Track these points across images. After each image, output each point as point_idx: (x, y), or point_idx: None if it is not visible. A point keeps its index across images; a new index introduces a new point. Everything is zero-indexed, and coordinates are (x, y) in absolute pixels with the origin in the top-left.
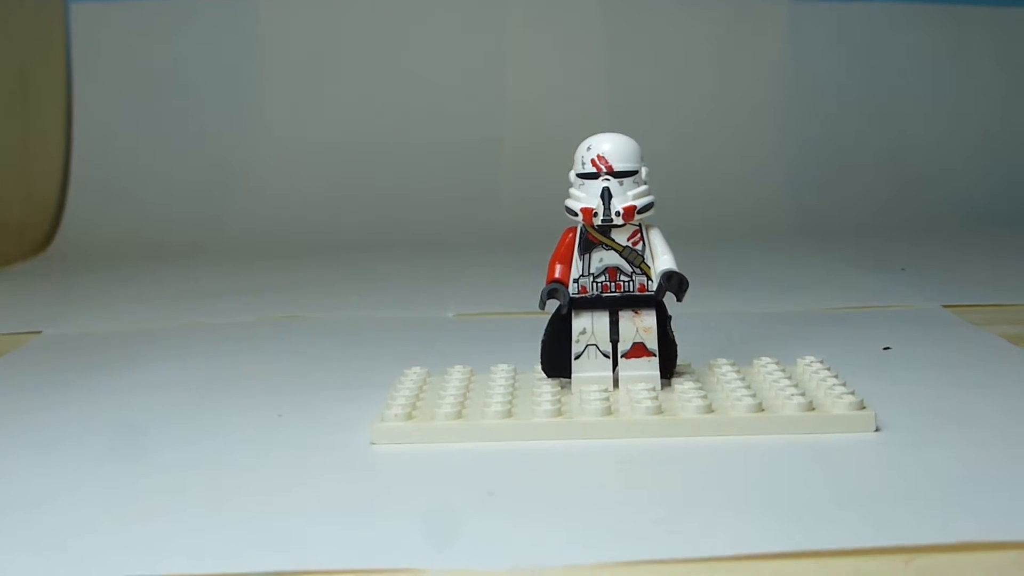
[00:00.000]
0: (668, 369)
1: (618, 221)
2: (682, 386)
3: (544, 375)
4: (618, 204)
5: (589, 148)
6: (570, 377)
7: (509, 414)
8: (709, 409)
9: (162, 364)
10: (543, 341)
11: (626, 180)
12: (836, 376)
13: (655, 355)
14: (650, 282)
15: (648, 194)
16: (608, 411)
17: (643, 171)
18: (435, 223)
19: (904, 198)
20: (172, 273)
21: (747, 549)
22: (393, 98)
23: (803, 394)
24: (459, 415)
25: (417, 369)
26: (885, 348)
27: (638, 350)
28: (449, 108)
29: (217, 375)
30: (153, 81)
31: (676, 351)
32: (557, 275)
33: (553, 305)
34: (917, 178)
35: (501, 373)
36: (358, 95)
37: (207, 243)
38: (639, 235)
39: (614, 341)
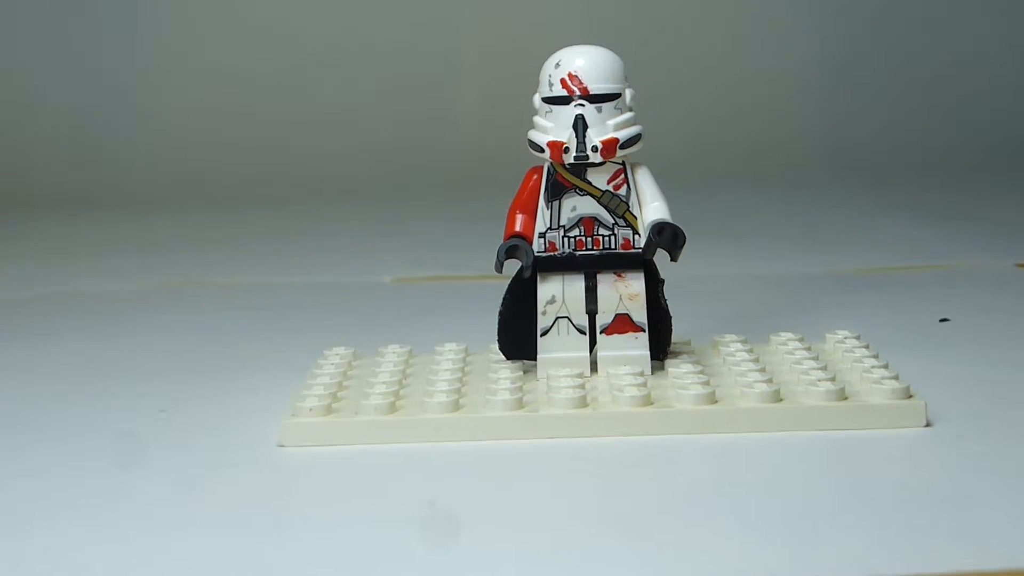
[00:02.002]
0: (660, 348)
1: (595, 158)
2: (678, 369)
3: (502, 357)
4: (595, 136)
5: (558, 65)
6: (535, 359)
7: (457, 406)
8: (712, 399)
9: (22, 343)
10: (500, 313)
11: (605, 106)
12: (876, 356)
13: (643, 330)
14: (637, 236)
15: (634, 123)
16: (583, 402)
17: (627, 94)
18: (369, 161)
19: (964, 129)
20: (38, 228)
21: None
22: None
23: (833, 379)
24: (393, 408)
25: (340, 350)
26: (942, 320)
27: (622, 324)
28: (389, 8)
29: (92, 357)
30: (27, 15)
31: (670, 325)
32: (518, 228)
33: (513, 266)
34: (974, 104)
35: (448, 355)
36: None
37: (84, 191)
38: (622, 176)
39: (591, 312)
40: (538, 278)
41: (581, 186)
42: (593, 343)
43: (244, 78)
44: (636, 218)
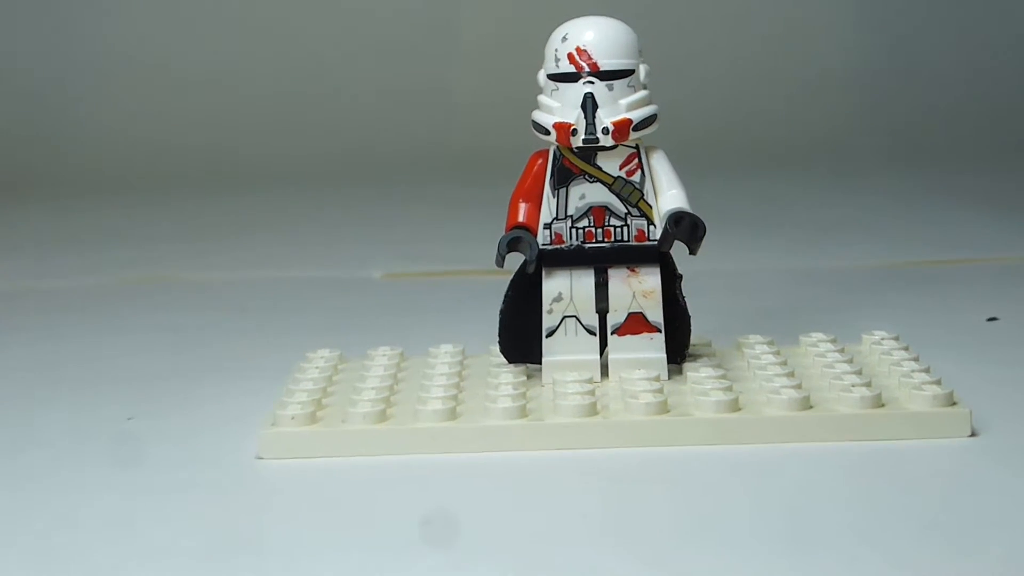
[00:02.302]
0: (678, 350)
1: (606, 141)
2: (697, 374)
3: (503, 360)
4: (606, 117)
5: (565, 38)
6: (539, 363)
7: (454, 415)
8: (735, 406)
9: None
10: (502, 312)
11: (617, 83)
12: (916, 359)
13: (659, 330)
14: (652, 227)
15: (649, 102)
16: (592, 410)
17: (642, 70)
18: (356, 142)
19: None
20: None
21: None
22: None
23: (868, 384)
24: (383, 416)
25: (325, 352)
26: (990, 319)
27: (635, 323)
28: None
29: (47, 361)
30: None
31: (689, 324)
32: (521, 218)
33: (515, 260)
34: None
35: (444, 357)
36: None
37: (37, 176)
38: (636, 161)
39: (602, 311)
40: (543, 273)
41: (590, 172)
42: (604, 345)
43: (220, 54)
44: (651, 207)
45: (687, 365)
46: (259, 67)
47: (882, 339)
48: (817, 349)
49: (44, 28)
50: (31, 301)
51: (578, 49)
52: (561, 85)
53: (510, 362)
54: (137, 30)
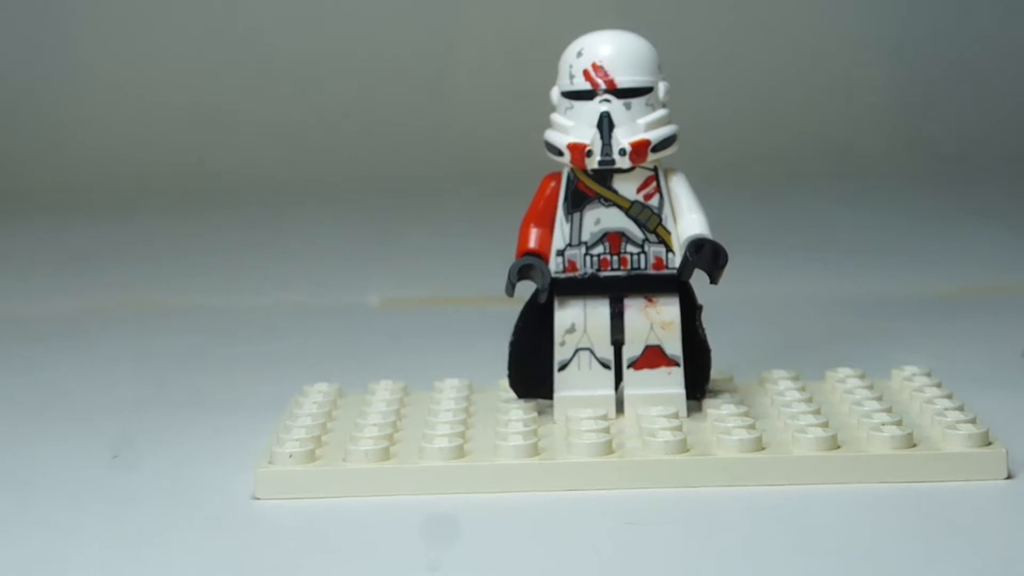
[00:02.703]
0: (698, 385)
1: (623, 163)
2: (719, 411)
3: (513, 395)
4: (623, 138)
5: (580, 53)
6: (551, 398)
7: (461, 453)
8: (759, 445)
9: None
10: (512, 343)
11: (635, 101)
12: (950, 396)
13: (678, 364)
14: (671, 254)
15: (668, 122)
16: (608, 449)
17: (661, 87)
18: (354, 160)
19: None
20: None
21: None
22: None
23: (899, 423)
24: (386, 455)
25: (323, 386)
26: None
27: (653, 357)
28: None
29: (19, 395)
30: None
31: (710, 358)
32: (532, 244)
33: (527, 289)
34: None
35: (449, 392)
36: None
37: (5, 194)
38: (654, 184)
39: (617, 343)
40: (555, 303)
41: (606, 195)
42: (619, 379)
43: (208, 70)
44: (670, 233)
45: (707, 401)
46: (254, 87)
47: (913, 375)
48: (845, 385)
49: (10, 43)
50: (2, 328)
51: (594, 65)
52: (576, 103)
53: (520, 397)
54: (111, 46)
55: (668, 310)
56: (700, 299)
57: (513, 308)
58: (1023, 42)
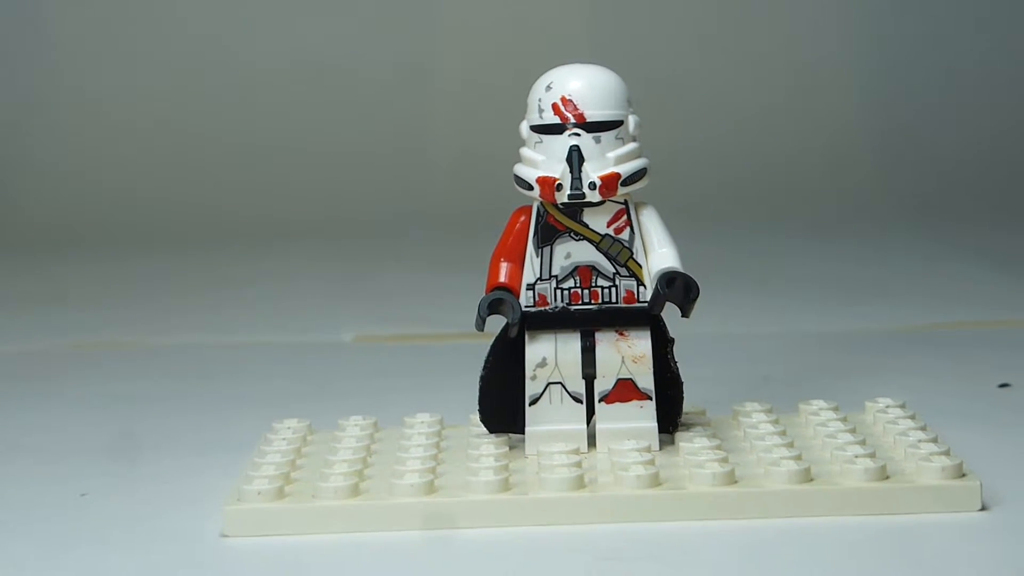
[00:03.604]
0: (670, 419)
1: (593, 196)
2: (691, 444)
3: (484, 430)
4: (593, 171)
5: (550, 87)
6: (523, 433)
7: (432, 489)
8: (731, 479)
9: None
10: (482, 378)
11: (605, 135)
12: (924, 428)
13: (650, 398)
14: (642, 288)
15: (639, 155)
16: (580, 483)
17: (631, 121)
18: (324, 196)
19: None
20: None
21: None
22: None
23: (873, 455)
24: (356, 491)
25: (293, 423)
26: (1002, 385)
27: (625, 390)
28: (350, 25)
29: None
30: None
31: (682, 392)
32: (503, 278)
33: (497, 323)
34: None
35: (420, 427)
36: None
37: None
38: (625, 218)
39: (589, 377)
40: (526, 337)
41: (576, 229)
42: (591, 413)
43: (173, 99)
44: (641, 267)
45: (680, 435)
46: (224, 121)
47: (887, 407)
48: (818, 418)
49: None
50: None
51: (563, 99)
52: (545, 137)
53: (491, 432)
54: (69, 80)
55: (640, 343)
56: (672, 332)
57: (483, 343)
58: (996, 78)
